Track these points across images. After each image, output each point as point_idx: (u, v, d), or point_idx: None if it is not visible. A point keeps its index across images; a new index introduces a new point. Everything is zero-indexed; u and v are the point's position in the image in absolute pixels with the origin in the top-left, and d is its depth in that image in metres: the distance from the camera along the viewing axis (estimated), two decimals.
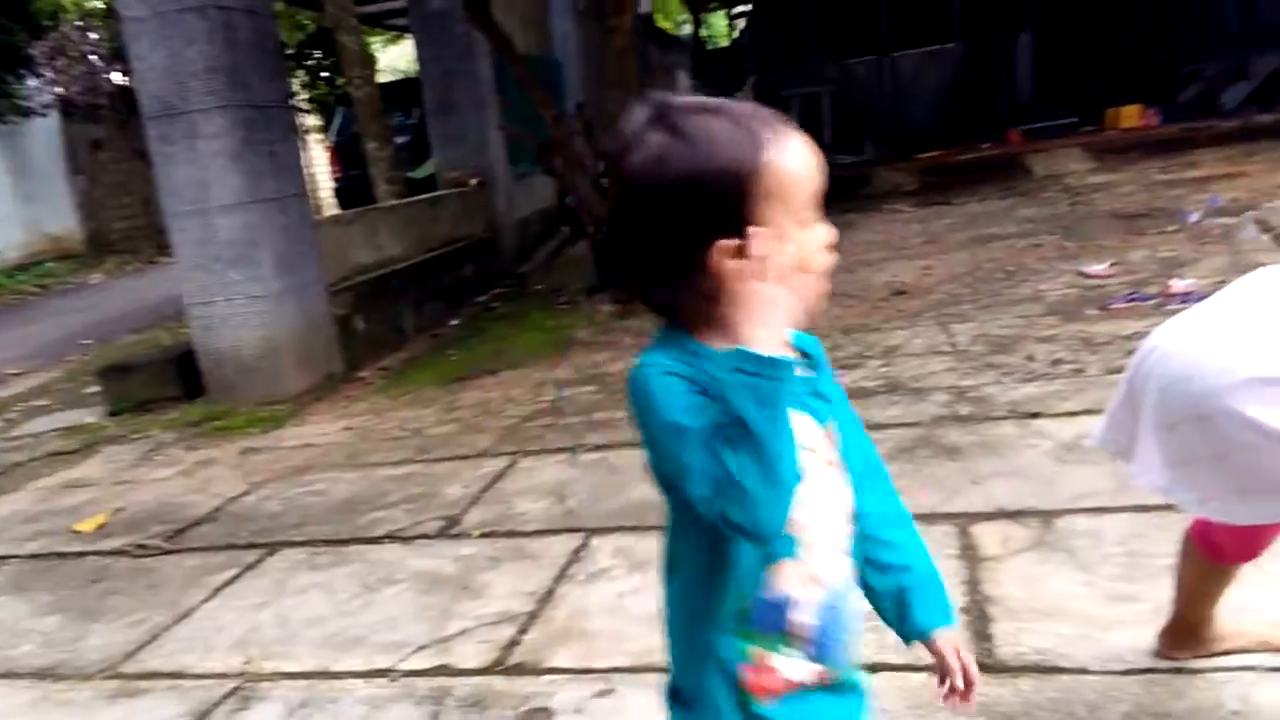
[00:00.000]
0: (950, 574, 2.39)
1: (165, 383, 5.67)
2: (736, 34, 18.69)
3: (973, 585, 2.36)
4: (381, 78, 12.76)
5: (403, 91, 11.61)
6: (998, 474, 3.00)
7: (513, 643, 2.51)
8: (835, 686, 1.11)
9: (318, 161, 17.14)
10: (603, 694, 2.23)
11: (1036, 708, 1.91)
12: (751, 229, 0.95)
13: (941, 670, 1.18)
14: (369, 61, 10.40)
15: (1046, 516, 2.68)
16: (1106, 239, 6.29)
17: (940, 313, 5.11)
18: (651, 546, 2.91)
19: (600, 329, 6.25)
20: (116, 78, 15.00)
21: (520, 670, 2.38)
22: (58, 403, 6.40)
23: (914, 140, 12.88)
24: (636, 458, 3.68)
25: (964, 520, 2.70)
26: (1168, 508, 2.29)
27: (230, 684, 2.52)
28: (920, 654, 1.20)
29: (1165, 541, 2.11)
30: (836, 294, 6.08)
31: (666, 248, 1.00)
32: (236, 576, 3.19)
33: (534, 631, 2.55)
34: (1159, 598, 2.02)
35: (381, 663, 2.51)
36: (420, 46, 9.29)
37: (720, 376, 0.95)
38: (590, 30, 13.75)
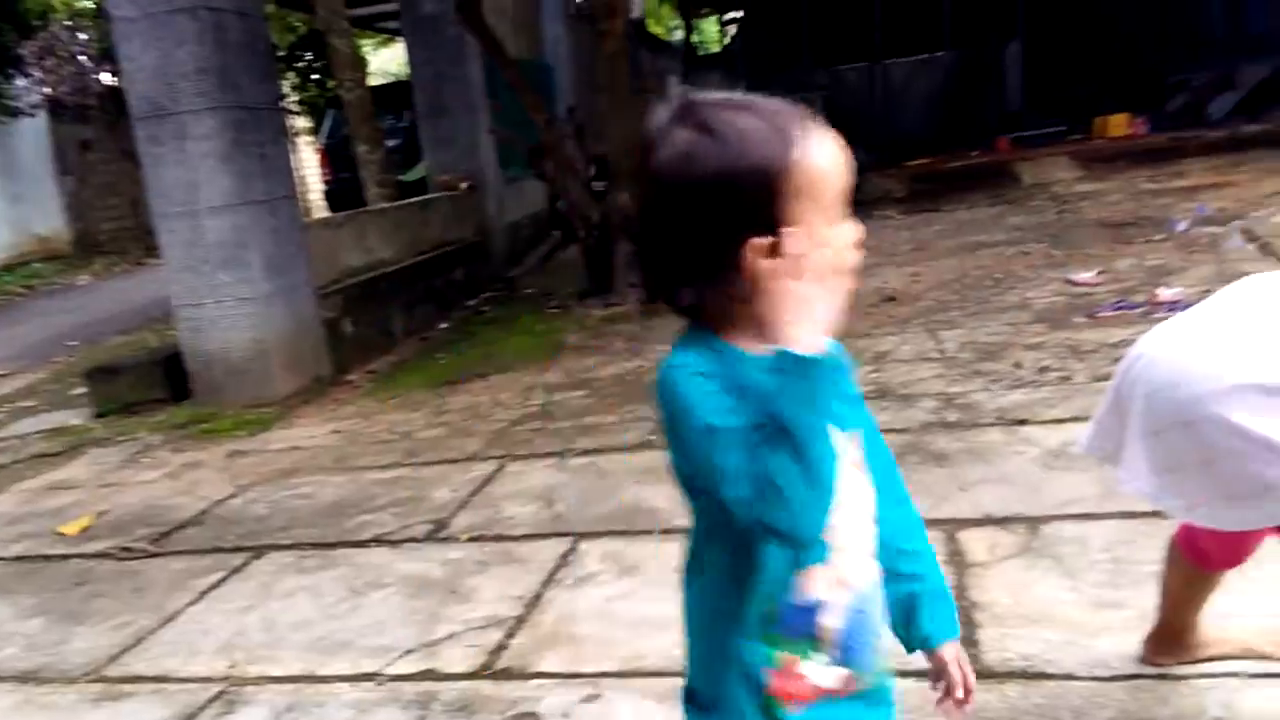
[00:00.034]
0: None
1: (152, 385, 5.64)
2: (728, 40, 18.75)
3: (960, 591, 2.37)
4: (372, 80, 12.73)
5: (394, 94, 11.59)
6: (985, 480, 3.01)
7: (500, 647, 2.50)
8: (863, 694, 1.09)
9: (308, 164, 17.11)
10: (590, 699, 2.22)
11: (1023, 713, 1.92)
12: (785, 227, 0.94)
13: (943, 680, 1.18)
14: (360, 64, 10.38)
15: (1033, 523, 2.69)
16: (1094, 247, 6.32)
17: (929, 319, 5.13)
18: (640, 551, 2.92)
19: (591, 333, 6.25)
20: (106, 78, 14.94)
21: (508, 675, 2.38)
22: (43, 404, 6.36)
23: (904, 147, 12.93)
24: (625, 462, 3.69)
25: (951, 526, 2.71)
26: (1153, 514, 2.30)
27: (215, 688, 2.50)
28: (907, 660, 1.20)
29: (1151, 548, 2.12)
30: None
31: (695, 247, 0.98)
32: (222, 580, 3.17)
33: (521, 636, 2.54)
34: (1144, 604, 2.03)
35: (368, 667, 2.50)
36: (412, 49, 9.29)
37: (758, 377, 0.94)
38: (581, 34, 13.78)
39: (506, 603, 2.72)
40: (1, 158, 14.41)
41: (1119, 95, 12.75)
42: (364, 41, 16.53)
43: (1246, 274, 1.69)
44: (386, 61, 22.21)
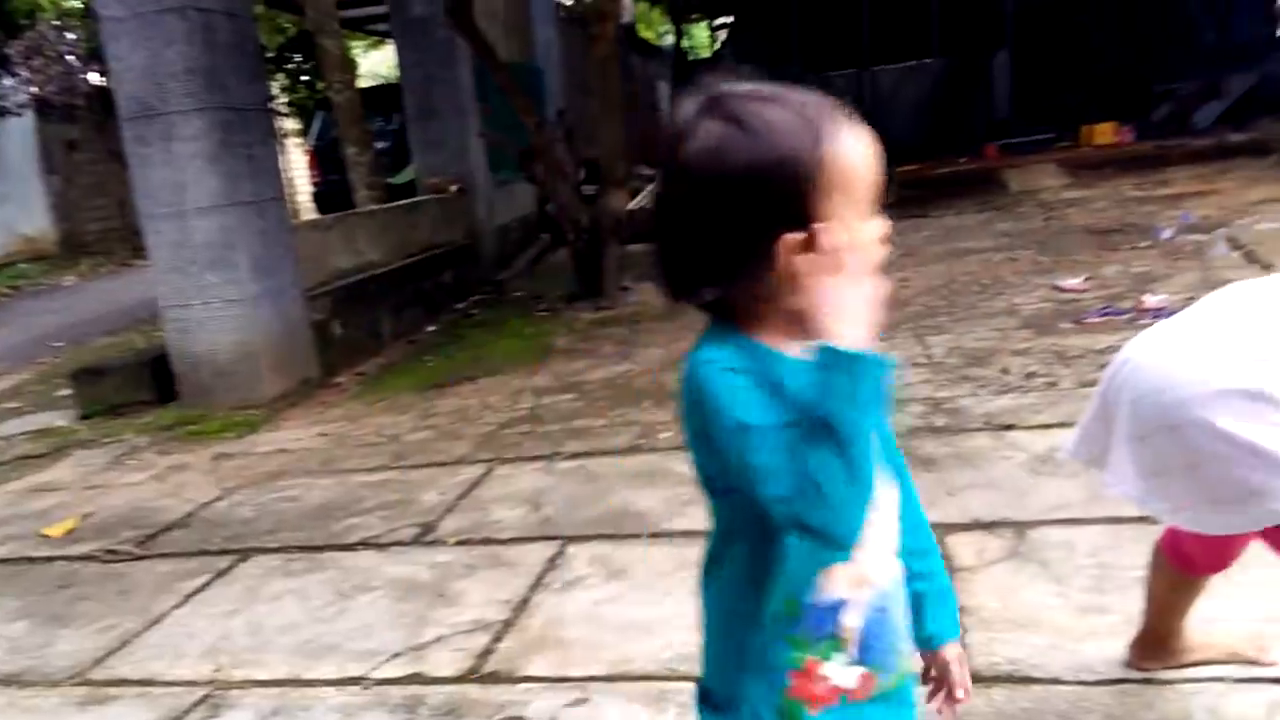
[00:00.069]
0: None
1: (138, 386, 5.61)
2: (718, 45, 18.77)
3: None
4: (362, 83, 12.71)
5: (383, 97, 11.57)
6: (973, 485, 3.02)
7: (487, 651, 2.50)
8: (884, 695, 1.07)
9: (296, 166, 17.06)
10: (578, 702, 2.22)
11: (1009, 718, 1.93)
12: (819, 223, 0.93)
13: (944, 680, 1.18)
14: (349, 66, 10.36)
15: (1020, 528, 2.70)
16: (1081, 254, 6.36)
17: (917, 325, 5.15)
18: (628, 555, 2.92)
19: (580, 336, 6.24)
20: (93, 78, 14.87)
21: (495, 679, 2.37)
22: (28, 405, 6.32)
23: (892, 154, 12.89)
24: (614, 465, 3.69)
25: (939, 531, 2.69)
26: (1140, 520, 2.31)
27: (200, 691, 2.49)
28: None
29: (1137, 554, 2.13)
30: None
31: (723, 242, 0.96)
32: (208, 583, 3.16)
33: (509, 640, 2.54)
34: (1130, 609, 2.04)
35: (355, 671, 2.49)
36: (402, 52, 9.28)
37: (793, 373, 0.93)
38: (572, 38, 13.79)
39: (494, 606, 2.72)
40: None
41: (1106, 103, 12.84)
42: (354, 43, 16.52)
43: (1231, 281, 1.71)
44: (376, 64, 22.19)
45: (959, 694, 1.17)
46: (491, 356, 6.02)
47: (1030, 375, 4.03)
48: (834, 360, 0.89)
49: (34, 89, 14.65)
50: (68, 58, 15.07)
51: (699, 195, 0.96)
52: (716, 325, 1.02)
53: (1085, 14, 14.17)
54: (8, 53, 14.12)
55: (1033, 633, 2.19)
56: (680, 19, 18.58)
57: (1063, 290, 5.39)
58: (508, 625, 2.61)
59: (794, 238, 0.93)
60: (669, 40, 20.57)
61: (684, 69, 18.31)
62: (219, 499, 3.98)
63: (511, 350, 6.11)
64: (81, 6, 14.77)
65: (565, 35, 13.81)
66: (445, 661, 2.48)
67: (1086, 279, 5.54)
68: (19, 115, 14.36)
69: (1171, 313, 1.73)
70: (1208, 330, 1.56)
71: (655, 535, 3.04)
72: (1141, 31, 14.17)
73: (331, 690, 2.42)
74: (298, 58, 16.47)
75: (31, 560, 3.59)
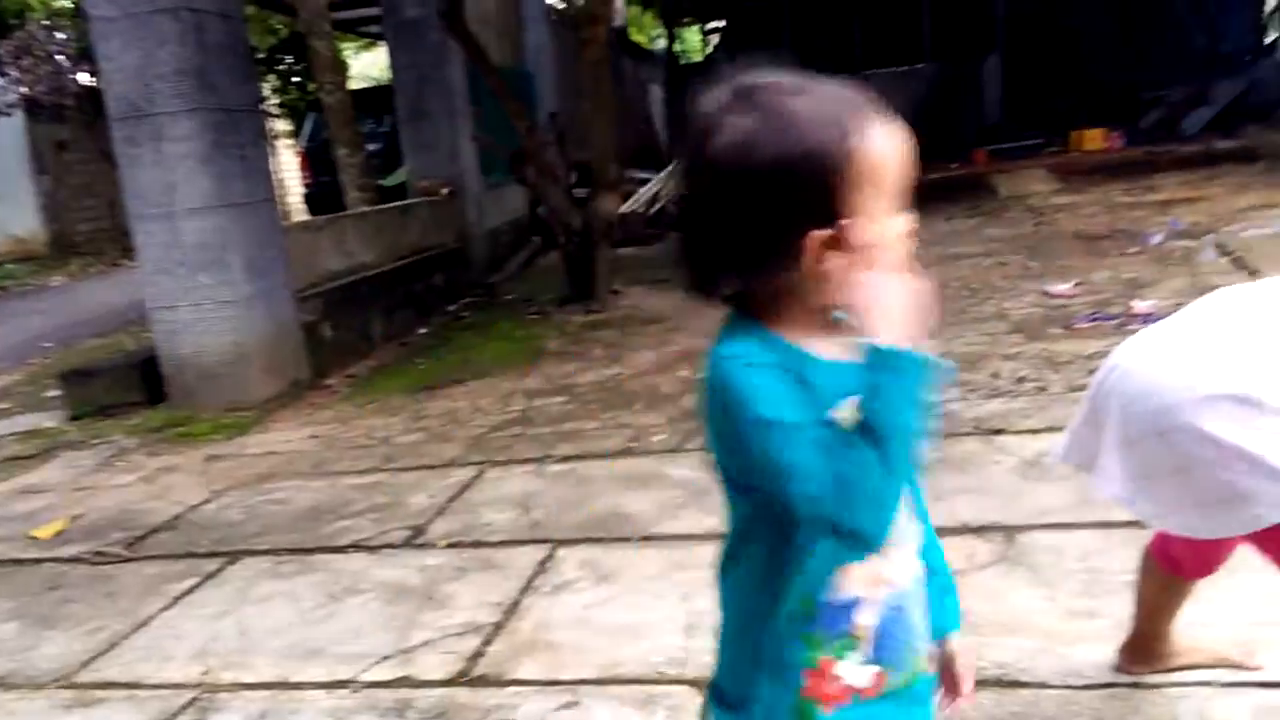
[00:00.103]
0: None
1: (128, 387, 5.58)
2: (710, 49, 18.81)
3: None
4: (354, 84, 12.70)
5: (375, 99, 11.56)
6: (962, 490, 3.03)
7: (477, 654, 2.49)
8: (897, 693, 1.06)
9: (288, 167, 17.01)
10: (568, 706, 2.22)
11: None
12: (847, 218, 0.92)
13: (948, 672, 1.18)
14: (341, 67, 10.35)
15: (1009, 532, 2.71)
16: (1070, 259, 6.39)
17: None
18: (618, 558, 2.91)
19: (571, 339, 6.24)
20: (83, 78, 14.80)
21: (484, 682, 2.37)
22: (17, 406, 6.28)
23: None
24: (605, 469, 3.69)
25: None
26: (1128, 524, 2.32)
27: (188, 694, 2.48)
28: None
29: (1125, 558, 2.14)
30: None
31: (748, 236, 0.95)
32: (197, 585, 3.14)
33: (499, 643, 2.53)
34: (1119, 613, 2.05)
35: (344, 673, 2.48)
36: (394, 54, 9.27)
37: (825, 371, 0.93)
38: (564, 41, 13.79)
39: (484, 609, 2.72)
40: None
41: (1095, 109, 12.91)
42: (345, 45, 16.49)
43: (1219, 287, 1.72)
44: (368, 65, 22.14)
45: (966, 686, 1.18)
46: (482, 359, 6.02)
47: (1020, 380, 4.04)
48: (881, 360, 0.88)
49: (23, 89, 14.57)
50: (57, 58, 15.00)
51: (725, 189, 0.94)
52: (737, 319, 1.01)
53: (1075, 21, 14.25)
54: None
55: (1021, 637, 2.20)
56: (672, 23, 18.62)
57: (1052, 295, 5.42)
58: (498, 628, 2.60)
59: (820, 234, 0.93)
60: (661, 44, 20.60)
61: (676, 73, 18.35)
62: (208, 501, 3.96)
63: (502, 353, 6.11)
64: (71, 6, 14.71)
65: (557, 38, 13.80)
66: (435, 665, 2.47)
67: (1076, 284, 5.57)
68: (8, 115, 14.28)
69: (1160, 318, 1.74)
70: (1196, 336, 1.57)
71: (645, 539, 3.04)
72: (1131, 38, 14.26)
73: (320, 693, 2.41)
74: (289, 59, 16.44)
75: (19, 562, 3.57)
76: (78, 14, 13.01)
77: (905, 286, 0.91)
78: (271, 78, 16.46)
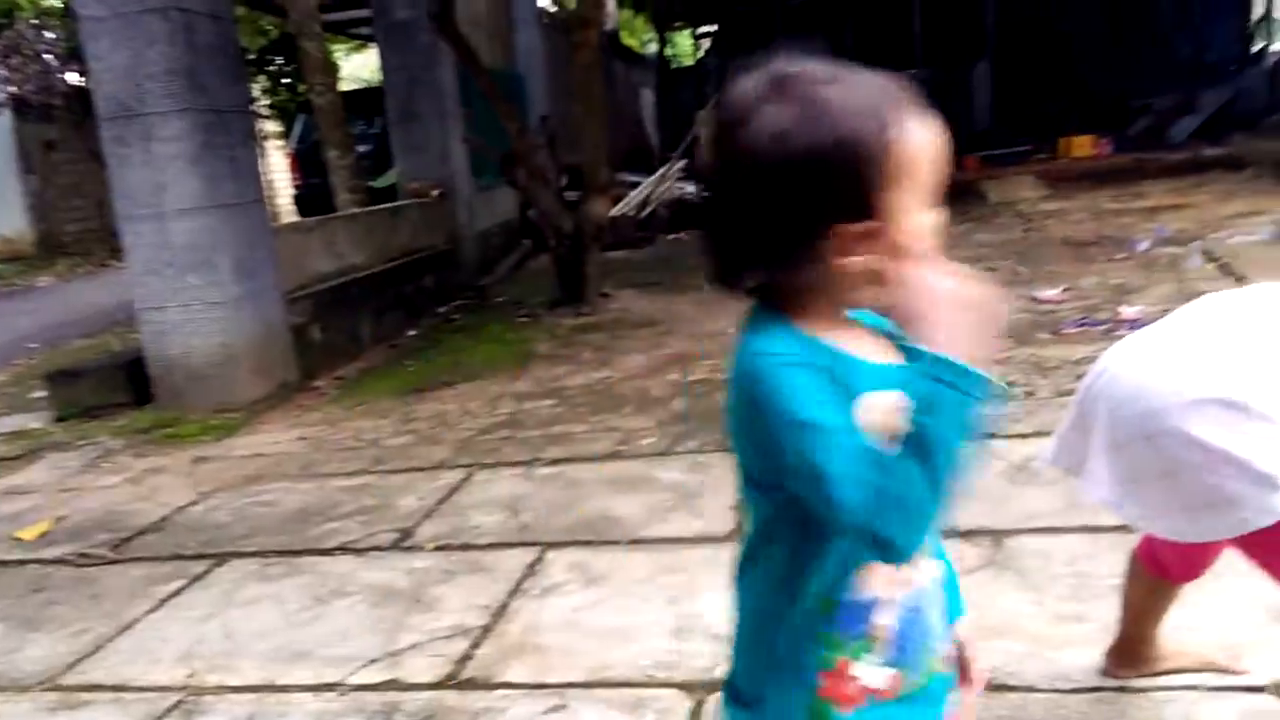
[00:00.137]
0: None
1: (114, 388, 5.55)
2: (701, 54, 18.84)
3: None
4: (344, 86, 12.66)
5: (365, 100, 11.54)
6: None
7: (465, 657, 2.49)
8: (913, 695, 1.04)
9: (277, 168, 16.97)
10: (556, 709, 2.21)
11: None
12: (879, 212, 0.90)
13: (962, 657, 1.17)
14: (331, 69, 10.32)
15: (997, 536, 2.72)
16: (1058, 265, 6.42)
17: None
18: (607, 561, 2.91)
19: (561, 343, 6.24)
20: (72, 78, 14.75)
21: (472, 685, 2.36)
22: (2, 407, 6.24)
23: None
24: (594, 472, 3.69)
25: None
26: (1116, 529, 2.33)
27: (174, 697, 2.47)
28: None
29: (1113, 562, 2.15)
30: None
31: (777, 228, 0.92)
32: (183, 587, 3.13)
33: (487, 646, 2.53)
34: (1106, 617, 2.05)
35: (331, 676, 2.47)
36: (384, 55, 9.25)
37: (861, 371, 0.92)
38: (555, 44, 13.80)
39: (472, 612, 2.71)
40: None
41: (1084, 116, 12.99)
42: (336, 46, 16.46)
43: (1205, 293, 1.73)
44: (358, 67, 22.11)
45: (976, 671, 1.16)
46: (472, 362, 6.01)
47: (1008, 384, 4.06)
48: (942, 373, 0.86)
49: (11, 88, 14.51)
50: (46, 57, 14.95)
51: (756, 178, 0.91)
52: (762, 313, 0.98)
53: (1065, 27, 14.34)
54: None
55: (1009, 640, 2.20)
56: (664, 27, 18.65)
57: (1041, 301, 5.44)
58: (486, 631, 2.60)
59: (851, 228, 0.91)
60: (652, 48, 20.64)
61: (667, 77, 18.38)
62: (195, 503, 3.94)
63: (492, 356, 6.10)
64: (60, 5, 14.66)
65: (548, 41, 13.82)
66: (422, 668, 2.46)
67: (1064, 290, 5.59)
68: None
69: (1147, 324, 1.75)
70: (1183, 341, 1.58)
71: (634, 542, 3.04)
72: (1120, 46, 14.36)
73: (307, 696, 2.40)
74: (279, 60, 16.40)
75: (3, 563, 3.54)
76: (67, 13, 12.97)
77: (973, 293, 0.89)
78: (261, 79, 16.42)
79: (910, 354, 1.01)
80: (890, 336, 1.03)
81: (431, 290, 8.15)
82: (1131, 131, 13.09)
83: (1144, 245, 6.62)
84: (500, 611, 2.69)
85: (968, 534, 2.74)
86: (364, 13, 10.84)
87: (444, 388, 5.41)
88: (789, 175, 0.90)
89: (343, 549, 3.28)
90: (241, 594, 3.03)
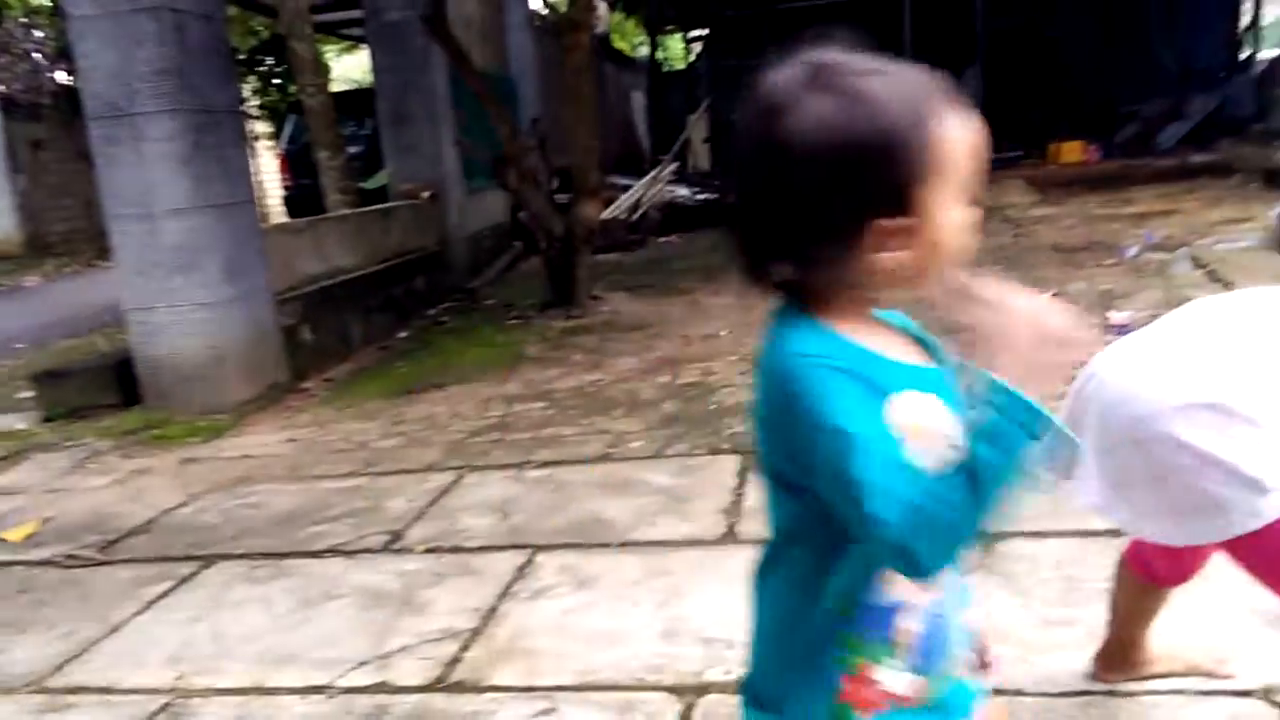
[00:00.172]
0: None
1: (102, 389, 5.52)
2: (692, 58, 18.87)
3: None
4: (335, 87, 12.64)
5: (356, 101, 11.52)
6: None
7: (454, 660, 2.48)
8: (935, 704, 1.02)
9: (267, 169, 16.92)
10: (545, 713, 2.21)
11: None
12: (917, 207, 0.89)
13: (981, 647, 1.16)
14: (322, 70, 10.31)
15: (986, 539, 2.72)
16: (1047, 270, 6.44)
17: None
18: (597, 564, 2.91)
19: (551, 345, 6.23)
20: (61, 77, 14.68)
21: (461, 688, 2.36)
22: None
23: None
24: (584, 475, 3.69)
25: None
26: (1104, 533, 2.35)
27: (161, 699, 2.45)
28: None
29: (1101, 566, 2.16)
30: None
31: (813, 221, 0.90)
32: (171, 589, 3.11)
33: (476, 649, 2.52)
34: (1094, 621, 2.06)
35: (319, 679, 2.46)
36: (376, 57, 9.24)
37: (895, 374, 0.91)
38: (547, 47, 13.80)
39: (462, 615, 2.70)
40: None
41: (1073, 122, 13.06)
42: (327, 47, 16.44)
43: (1193, 299, 1.74)
44: (349, 68, 22.06)
45: (989, 658, 1.16)
46: (462, 364, 6.00)
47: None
48: (1008, 407, 0.85)
49: (0, 87, 14.44)
50: (35, 55, 14.89)
51: (793, 170, 0.89)
52: (790, 310, 0.97)
53: (1054, 33, 14.41)
54: None
55: (997, 644, 2.19)
56: (655, 31, 18.67)
57: None
58: (475, 634, 2.59)
59: (887, 222, 0.89)
60: (644, 52, 20.66)
61: (658, 80, 18.40)
62: (183, 504, 3.92)
63: (482, 358, 6.09)
64: (50, 4, 14.59)
65: (540, 44, 13.82)
66: (411, 671, 2.46)
67: (1053, 295, 5.60)
68: None
69: (1136, 329, 1.76)
70: (1172, 346, 1.59)
71: (624, 544, 3.04)
72: (1109, 52, 14.43)
73: (295, 699, 2.39)
74: (270, 60, 16.37)
75: None
76: (56, 12, 12.91)
77: (1055, 323, 0.87)
78: (252, 79, 16.38)
79: (932, 351, 1.02)
80: (914, 336, 1.03)
81: (422, 292, 8.14)
82: (1120, 138, 13.17)
83: (1132, 251, 6.66)
84: (490, 614, 2.69)
85: None
86: (355, 14, 10.83)
87: (434, 390, 5.40)
88: (829, 165, 0.88)
89: (332, 551, 3.27)
90: (229, 596, 3.02)
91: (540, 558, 3.01)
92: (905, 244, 0.90)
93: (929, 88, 0.91)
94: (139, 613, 2.97)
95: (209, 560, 3.31)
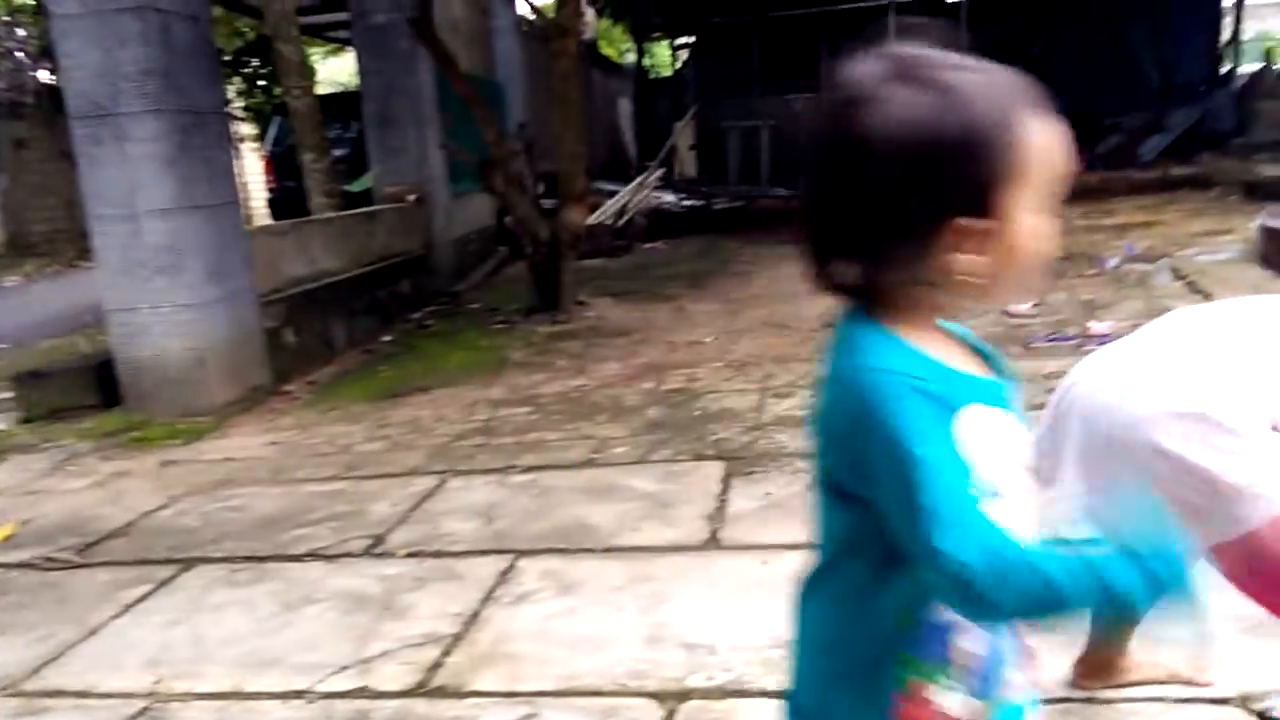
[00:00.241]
0: None
1: (82, 390, 5.48)
2: (679, 65, 18.92)
3: None
4: (321, 89, 12.60)
5: (342, 104, 11.48)
6: None
7: (436, 665, 2.47)
8: None
9: (252, 171, 16.84)
10: (527, 718, 2.21)
11: None
12: (999, 210, 0.86)
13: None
14: (308, 72, 10.27)
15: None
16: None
17: None
18: (580, 569, 2.91)
19: (536, 350, 6.23)
20: (44, 75, 14.58)
21: (443, 693, 2.35)
22: None
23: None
24: (567, 480, 3.68)
25: None
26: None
27: (139, 703, 2.43)
28: None
29: None
30: (771, 324, 6.17)
31: (889, 219, 0.87)
32: (149, 593, 3.09)
33: (458, 653, 2.51)
34: (1073, 629, 2.07)
35: (299, 684, 2.45)
36: (362, 59, 9.22)
37: (966, 387, 0.89)
38: (534, 52, 13.80)
39: (444, 620, 2.69)
40: None
41: None
42: (313, 49, 16.38)
43: (1173, 309, 1.76)
44: (335, 71, 21.99)
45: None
46: (446, 368, 5.98)
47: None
48: (1160, 568, 0.84)
49: None
50: (17, 54, 14.77)
51: (877, 163, 0.86)
52: (857, 315, 0.94)
53: (1036, 47, 14.52)
54: None
55: None
56: (642, 37, 18.70)
57: (1011, 315, 5.49)
58: (457, 639, 2.58)
59: (968, 222, 0.86)
60: (630, 58, 20.69)
61: (645, 87, 18.44)
62: (163, 507, 3.90)
63: (466, 362, 6.08)
64: (33, 2, 14.49)
65: (527, 49, 13.82)
66: (392, 675, 2.45)
67: (1034, 305, 5.65)
68: None
69: (1116, 339, 1.78)
70: (1153, 355, 1.61)
71: (607, 550, 3.04)
72: (1090, 65, 14.55)
73: (275, 704, 2.38)
74: (255, 62, 16.29)
75: None
76: (39, 11, 12.81)
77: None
78: (237, 81, 16.30)
79: (990, 362, 1.00)
80: (972, 346, 1.01)
81: (407, 295, 8.11)
82: (1102, 150, 13.27)
83: (1113, 262, 6.71)
84: (472, 619, 2.68)
85: None
86: (342, 16, 10.79)
87: (418, 393, 5.39)
88: (913, 159, 0.85)
89: (313, 555, 3.26)
90: (209, 600, 3.00)
91: (523, 563, 3.00)
92: (982, 247, 0.87)
93: (1018, 88, 0.89)
94: (117, 616, 2.94)
95: (189, 563, 3.29)
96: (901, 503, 0.85)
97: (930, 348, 0.92)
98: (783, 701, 1.08)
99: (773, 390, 4.61)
